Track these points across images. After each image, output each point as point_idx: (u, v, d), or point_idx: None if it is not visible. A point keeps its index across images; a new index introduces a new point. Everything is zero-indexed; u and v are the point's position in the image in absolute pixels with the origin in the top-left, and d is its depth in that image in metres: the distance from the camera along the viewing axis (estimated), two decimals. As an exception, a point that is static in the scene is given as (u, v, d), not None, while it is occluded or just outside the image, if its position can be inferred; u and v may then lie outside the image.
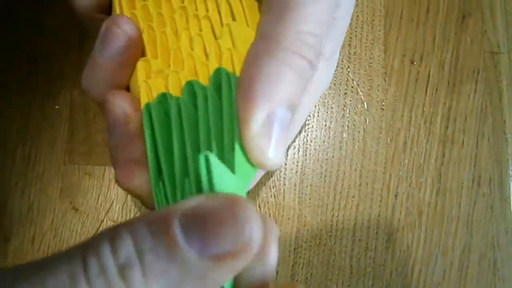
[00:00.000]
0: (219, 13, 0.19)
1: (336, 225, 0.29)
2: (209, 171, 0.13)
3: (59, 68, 0.31)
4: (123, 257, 0.12)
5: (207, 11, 0.19)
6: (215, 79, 0.17)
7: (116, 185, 0.30)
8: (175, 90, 0.18)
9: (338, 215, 0.30)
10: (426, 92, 0.31)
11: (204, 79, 0.18)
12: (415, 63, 0.31)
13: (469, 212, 0.30)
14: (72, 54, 0.31)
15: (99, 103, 0.19)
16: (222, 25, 0.19)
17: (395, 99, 0.31)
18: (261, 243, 0.12)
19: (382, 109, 0.31)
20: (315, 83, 0.21)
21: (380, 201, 0.30)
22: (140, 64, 0.18)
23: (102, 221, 0.29)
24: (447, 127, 0.31)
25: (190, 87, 0.17)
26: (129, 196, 0.29)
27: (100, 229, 0.29)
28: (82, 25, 0.21)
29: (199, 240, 0.12)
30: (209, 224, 0.12)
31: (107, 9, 0.21)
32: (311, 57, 0.15)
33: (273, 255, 0.15)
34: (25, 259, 0.28)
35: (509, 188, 0.31)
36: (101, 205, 0.29)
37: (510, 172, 0.31)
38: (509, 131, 0.31)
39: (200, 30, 0.19)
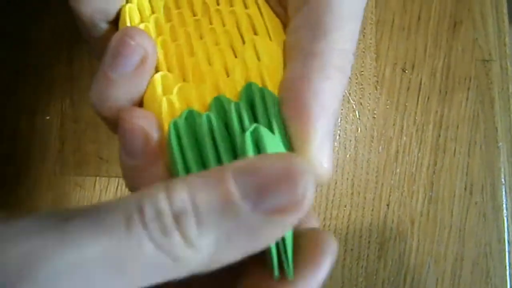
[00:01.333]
0: (238, 27, 0.19)
1: (328, 234, 0.29)
2: (259, 143, 0.14)
3: (49, 79, 0.31)
4: (179, 205, 0.12)
5: (224, 25, 0.19)
6: (246, 94, 0.17)
7: (107, 196, 0.29)
8: (200, 106, 0.17)
9: (330, 224, 0.29)
10: (417, 100, 0.31)
11: (230, 95, 0.17)
12: (406, 71, 0.31)
13: (462, 221, 0.30)
14: (62, 65, 0.31)
15: (111, 120, 0.18)
16: (242, 39, 0.19)
17: (387, 108, 0.31)
18: (312, 201, 0.13)
19: (374, 117, 0.31)
20: None
21: (372, 210, 0.30)
22: (157, 79, 0.17)
23: (93, 232, 0.29)
24: (439, 135, 0.31)
25: (219, 102, 0.17)
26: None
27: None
28: (82, 33, 0.21)
29: (253, 194, 0.12)
30: (264, 179, 0.12)
31: (113, 20, 0.20)
32: (349, 71, 0.17)
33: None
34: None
35: (502, 196, 0.30)
36: (92, 216, 0.29)
37: (503, 180, 0.31)
38: (501, 139, 0.31)
39: (218, 44, 0.19)
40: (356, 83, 0.31)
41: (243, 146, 0.15)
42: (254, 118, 0.16)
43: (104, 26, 0.20)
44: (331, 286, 0.29)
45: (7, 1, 0.31)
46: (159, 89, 0.17)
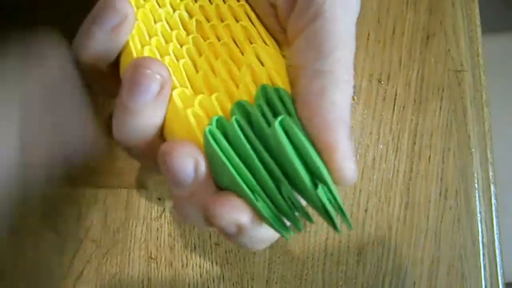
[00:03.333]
0: (234, 39, 0.21)
1: (309, 240, 0.30)
2: (289, 130, 0.16)
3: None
4: None
5: (220, 39, 0.20)
6: (263, 95, 0.18)
7: (95, 206, 0.31)
8: (223, 113, 0.18)
9: (310, 230, 0.31)
10: (393, 110, 0.33)
11: (247, 99, 0.19)
12: (382, 82, 0.33)
13: (437, 225, 0.31)
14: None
15: (140, 151, 0.19)
16: (240, 50, 0.20)
17: (364, 117, 0.32)
18: None
19: (351, 127, 0.32)
20: None
21: (351, 216, 0.31)
22: (176, 96, 0.18)
23: (82, 241, 0.30)
24: (414, 143, 0.32)
25: (241, 106, 0.18)
26: (108, 216, 0.30)
27: (80, 249, 0.30)
28: (85, 79, 0.20)
29: None
30: None
31: (114, 62, 0.21)
32: (352, 83, 0.19)
33: None
34: (7, 283, 0.29)
35: (475, 201, 0.32)
36: (81, 226, 0.30)
37: (476, 185, 0.32)
38: (474, 146, 0.32)
39: (218, 57, 0.20)
40: (334, 94, 0.32)
41: (275, 134, 0.16)
42: (275, 115, 0.18)
43: (108, 70, 0.20)
44: (313, 290, 0.30)
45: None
46: (180, 105, 0.18)
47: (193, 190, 0.17)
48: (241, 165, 0.17)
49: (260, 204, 0.16)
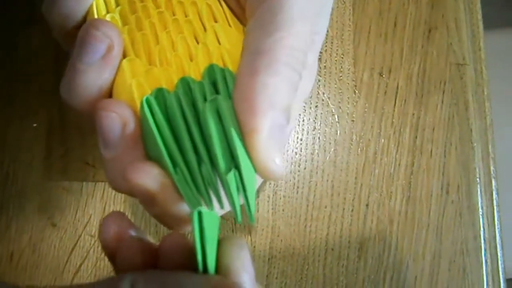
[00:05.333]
0: (200, 17, 0.21)
1: (309, 235, 0.30)
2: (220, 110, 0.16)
3: (36, 87, 0.31)
4: None
5: (186, 16, 0.21)
6: (209, 74, 0.18)
7: (93, 201, 0.30)
8: (168, 87, 0.18)
9: (311, 225, 0.30)
10: (395, 103, 0.32)
11: (195, 76, 0.19)
12: (383, 75, 0.32)
13: (439, 219, 0.31)
14: (49, 73, 0.32)
15: (83, 112, 0.19)
16: (204, 28, 0.20)
17: (365, 111, 0.32)
18: None
19: (353, 121, 0.32)
20: (300, 91, 0.22)
21: (352, 210, 0.31)
22: (126, 63, 0.18)
23: (80, 235, 0.30)
24: (416, 137, 0.32)
25: (185, 82, 0.18)
26: (106, 210, 0.30)
27: (78, 244, 0.30)
28: (60, 44, 0.21)
29: None
30: None
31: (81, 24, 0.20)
32: (300, 70, 0.17)
33: None
34: (3, 276, 0.29)
35: (477, 195, 0.31)
36: (79, 220, 0.30)
37: (478, 179, 0.32)
38: (475, 140, 0.32)
39: (181, 33, 0.20)
40: (335, 87, 0.32)
41: (204, 114, 0.16)
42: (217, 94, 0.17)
43: (73, 30, 0.20)
44: (313, 285, 0.30)
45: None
46: (128, 73, 0.18)
47: (119, 153, 0.17)
48: (170, 138, 0.17)
49: (177, 177, 0.16)
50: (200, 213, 0.15)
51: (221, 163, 0.16)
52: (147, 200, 0.17)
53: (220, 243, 0.16)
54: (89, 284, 0.14)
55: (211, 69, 0.19)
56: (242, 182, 0.16)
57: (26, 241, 0.30)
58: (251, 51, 0.17)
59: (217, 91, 0.18)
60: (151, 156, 0.17)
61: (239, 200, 0.16)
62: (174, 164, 0.17)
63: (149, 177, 0.16)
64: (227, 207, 0.17)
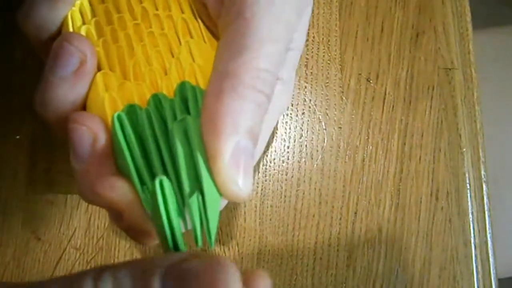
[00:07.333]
0: (176, 31, 0.20)
1: (297, 244, 0.30)
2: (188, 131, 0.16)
3: (20, 99, 0.31)
4: None
5: (162, 29, 0.20)
6: (180, 92, 0.18)
7: (78, 213, 0.30)
8: (140, 103, 0.18)
9: (299, 234, 0.30)
10: (382, 109, 0.32)
11: (168, 92, 0.18)
12: (371, 81, 0.32)
13: (428, 226, 0.31)
14: (34, 84, 0.31)
15: (56, 125, 0.19)
16: (180, 42, 0.20)
17: (352, 118, 0.32)
18: None
19: (340, 127, 0.31)
20: (273, 108, 0.22)
21: (340, 219, 0.30)
22: (99, 77, 0.18)
23: (65, 249, 0.29)
24: (404, 143, 0.32)
25: (157, 99, 0.18)
26: (91, 222, 0.30)
27: (63, 257, 0.29)
28: (38, 55, 0.21)
29: None
30: (188, 284, 0.13)
31: (57, 34, 0.20)
32: (268, 91, 0.17)
33: None
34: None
35: (467, 201, 0.31)
36: (63, 233, 0.29)
37: (467, 185, 0.31)
38: (464, 145, 0.32)
39: (156, 46, 0.20)
40: (322, 94, 0.32)
41: (172, 134, 0.16)
42: (188, 113, 0.17)
43: (49, 41, 0.20)
44: (302, 295, 0.29)
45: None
46: (101, 87, 0.18)
47: (89, 167, 0.17)
48: (139, 156, 0.16)
49: (143, 197, 0.16)
50: (161, 183, 0.15)
51: (186, 185, 0.16)
52: (114, 215, 0.17)
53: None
54: (51, 281, 0.14)
55: (183, 86, 0.18)
56: (204, 206, 0.16)
57: (11, 255, 0.29)
58: (219, 72, 0.17)
59: (187, 110, 0.18)
60: (122, 171, 0.17)
61: (200, 224, 0.16)
62: (142, 182, 0.16)
63: (116, 193, 0.16)
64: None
